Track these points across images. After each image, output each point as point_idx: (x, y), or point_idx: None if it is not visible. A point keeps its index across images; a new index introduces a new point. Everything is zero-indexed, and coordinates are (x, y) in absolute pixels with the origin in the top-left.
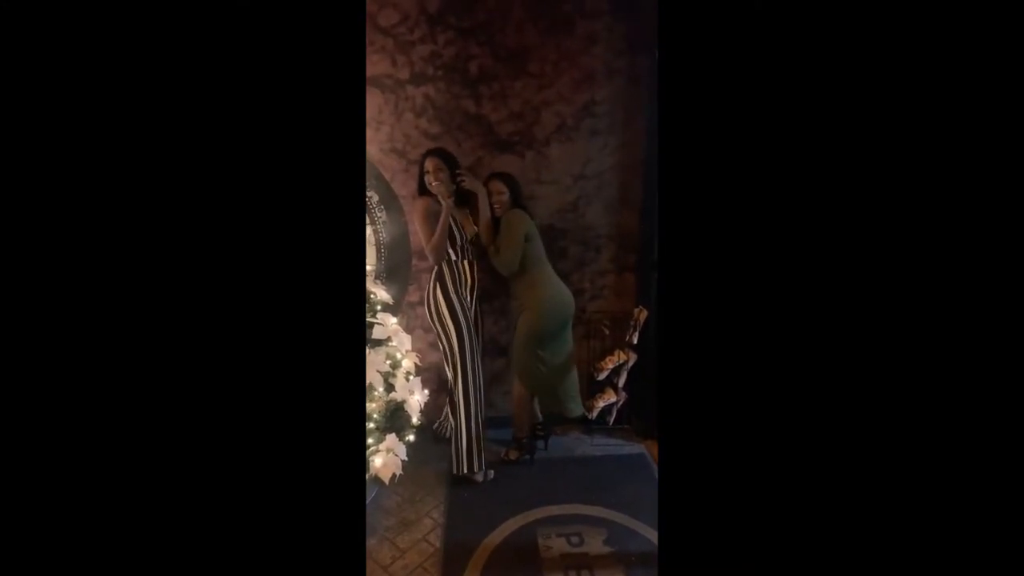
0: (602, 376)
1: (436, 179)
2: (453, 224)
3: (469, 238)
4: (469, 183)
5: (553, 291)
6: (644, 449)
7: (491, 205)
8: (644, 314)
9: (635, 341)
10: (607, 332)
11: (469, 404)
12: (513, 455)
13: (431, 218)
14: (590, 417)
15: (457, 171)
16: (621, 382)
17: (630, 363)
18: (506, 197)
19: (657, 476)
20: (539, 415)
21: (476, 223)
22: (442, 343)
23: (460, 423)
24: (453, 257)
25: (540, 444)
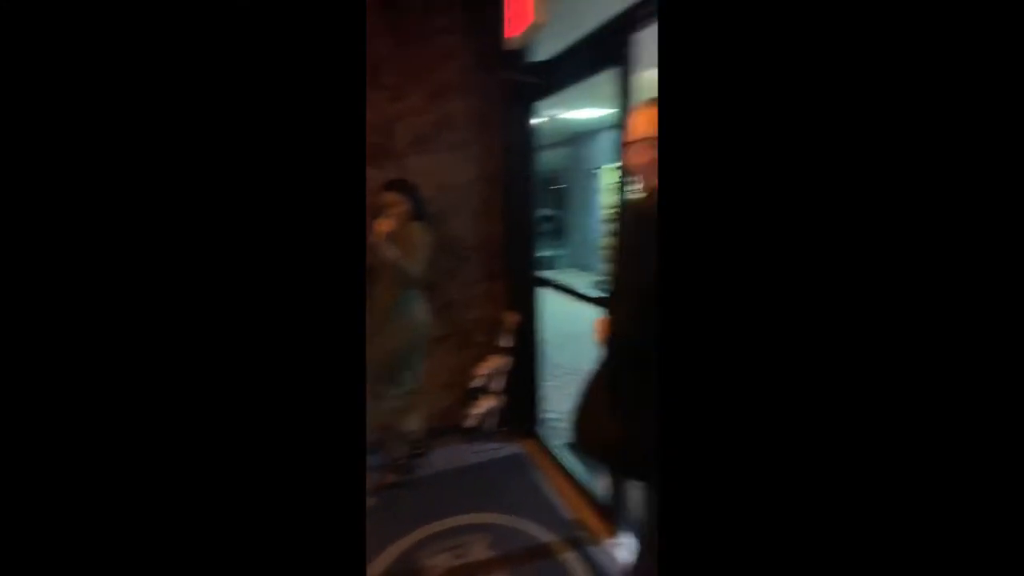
0: (478, 383)
1: None
2: None
3: None
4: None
5: (414, 312)
6: (521, 448)
7: (388, 219)
8: (515, 317)
9: (508, 345)
10: (480, 339)
11: None
12: (392, 478)
13: None
14: (469, 425)
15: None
16: (497, 386)
17: (504, 367)
18: (404, 208)
19: (534, 473)
20: (414, 432)
21: None
22: None
23: None
24: None
25: (419, 461)
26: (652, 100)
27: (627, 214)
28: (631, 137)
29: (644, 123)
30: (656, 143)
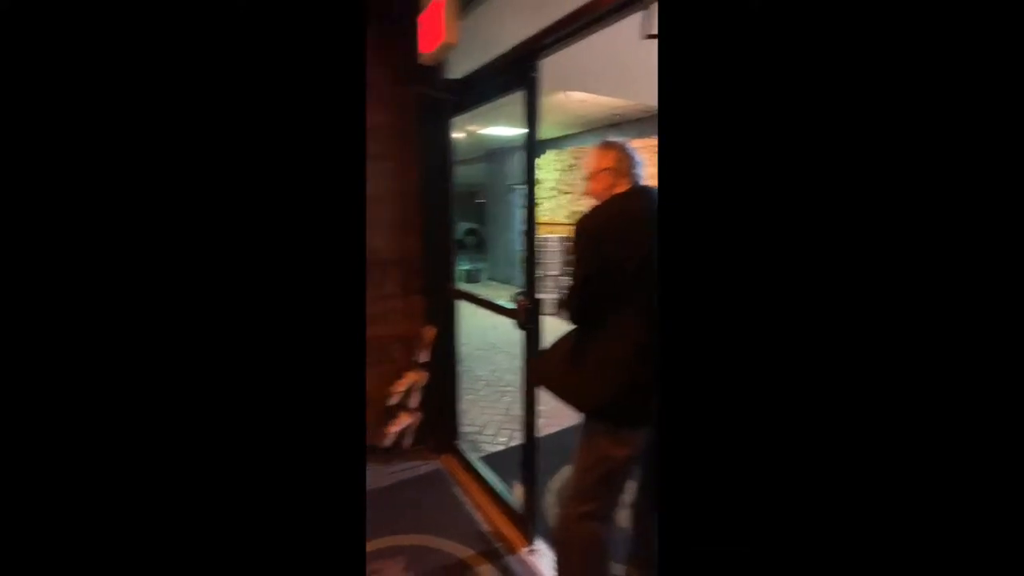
0: (395, 400)
1: None
2: None
3: None
4: None
5: None
6: (440, 464)
7: None
8: (432, 332)
9: (424, 360)
10: (396, 355)
11: None
12: None
13: None
14: (386, 445)
15: None
16: (414, 403)
17: (421, 383)
18: None
19: (453, 488)
20: None
21: None
22: None
23: None
24: None
25: None
26: (606, 142)
27: (577, 225)
28: (592, 170)
29: (599, 159)
30: (612, 172)
